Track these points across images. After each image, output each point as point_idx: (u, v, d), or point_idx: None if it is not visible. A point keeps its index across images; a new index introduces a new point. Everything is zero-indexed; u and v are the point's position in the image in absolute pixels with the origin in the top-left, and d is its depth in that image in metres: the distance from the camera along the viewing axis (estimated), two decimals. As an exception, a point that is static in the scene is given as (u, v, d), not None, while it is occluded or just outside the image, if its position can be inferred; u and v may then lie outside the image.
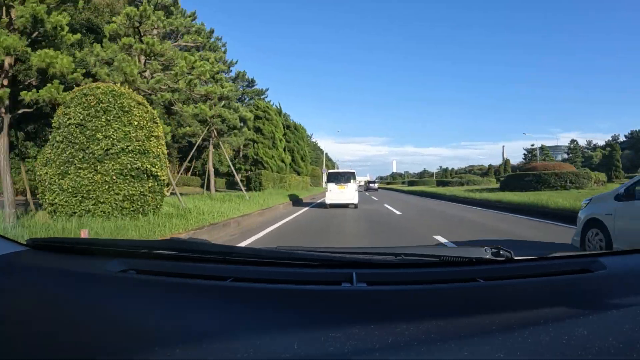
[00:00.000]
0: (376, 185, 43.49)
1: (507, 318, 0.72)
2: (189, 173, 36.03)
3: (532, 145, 66.58)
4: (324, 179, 41.20)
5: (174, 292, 0.88)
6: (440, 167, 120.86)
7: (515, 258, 1.02)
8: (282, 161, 26.19)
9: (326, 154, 77.32)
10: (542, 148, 66.79)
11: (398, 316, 0.74)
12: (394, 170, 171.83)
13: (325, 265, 1.02)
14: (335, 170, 15.05)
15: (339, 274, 0.93)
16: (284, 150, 27.87)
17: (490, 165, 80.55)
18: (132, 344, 0.67)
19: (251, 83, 39.09)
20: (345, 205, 12.97)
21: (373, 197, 24.06)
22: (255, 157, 24.93)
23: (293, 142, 32.09)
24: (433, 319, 0.72)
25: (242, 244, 5.96)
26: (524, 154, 69.72)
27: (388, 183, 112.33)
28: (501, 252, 1.01)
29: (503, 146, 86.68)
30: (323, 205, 14.08)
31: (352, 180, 13.18)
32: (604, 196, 4.85)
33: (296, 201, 17.72)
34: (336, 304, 0.82)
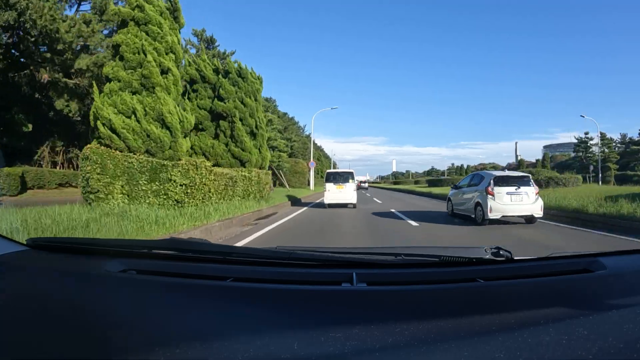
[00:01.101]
0: (366, 184, 46.40)
1: (507, 318, 0.72)
2: (69, 166, 22.92)
3: (587, 133, 51.74)
4: (312, 176, 29.49)
5: (174, 292, 0.88)
6: (453, 164, 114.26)
7: (515, 258, 1.02)
8: (165, 126, 9.39)
9: (315, 142, 60.36)
10: (602, 136, 47.34)
11: (398, 316, 0.74)
12: (394, 170, 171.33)
13: (325, 265, 1.02)
14: (334, 170, 14.88)
15: (339, 274, 0.93)
16: (182, 101, 11.97)
17: (522, 160, 72.88)
18: (132, 343, 0.67)
19: (211, 42, 30.21)
20: (344, 205, 12.95)
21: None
22: (95, 113, 8.80)
23: (233, 100, 14.29)
24: (433, 319, 0.72)
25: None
26: (575, 145, 55.57)
27: (394, 182, 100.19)
28: (501, 252, 1.01)
29: (516, 142, 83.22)
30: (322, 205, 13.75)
31: (350, 180, 13.15)
32: (452, 187, 10.82)
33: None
34: (336, 304, 0.82)
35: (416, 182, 76.05)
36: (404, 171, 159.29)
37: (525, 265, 1.05)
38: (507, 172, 9.58)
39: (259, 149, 15.29)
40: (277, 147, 25.38)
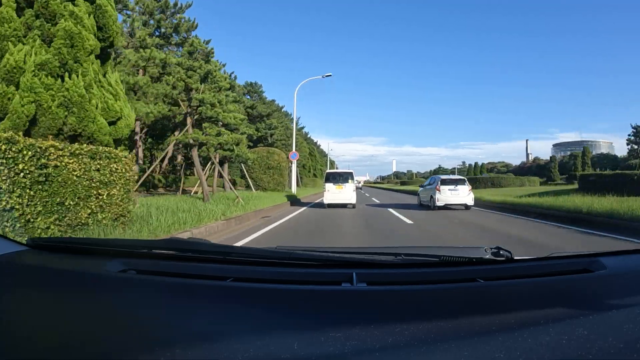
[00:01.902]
0: (360, 184, 47.87)
1: (507, 318, 0.72)
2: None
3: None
4: (295, 173, 22.00)
5: (174, 292, 0.88)
6: (464, 162, 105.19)
7: (515, 258, 1.02)
8: None
9: (299, 124, 48.56)
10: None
11: (398, 316, 0.74)
12: (394, 170, 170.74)
13: (325, 265, 1.02)
14: (334, 171, 14.98)
15: (339, 274, 0.93)
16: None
17: (553, 157, 66.12)
18: (132, 343, 0.67)
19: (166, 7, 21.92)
20: (343, 205, 13.04)
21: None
22: None
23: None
24: (433, 319, 0.72)
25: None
26: (630, 136, 47.52)
27: (402, 182, 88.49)
28: (501, 252, 1.01)
29: (527, 140, 79.65)
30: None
31: (350, 180, 13.27)
32: (420, 186, 16.22)
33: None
34: (336, 304, 0.81)
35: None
36: (405, 171, 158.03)
37: (525, 265, 1.05)
38: (449, 176, 13.86)
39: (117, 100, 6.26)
40: (222, 122, 13.74)
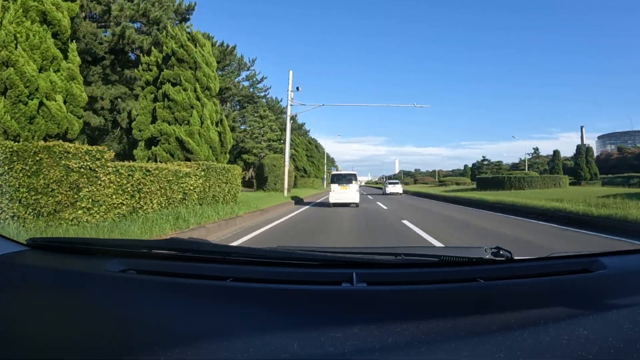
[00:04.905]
0: (361, 184, 54.43)
1: (507, 318, 0.72)
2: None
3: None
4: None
5: (174, 292, 0.88)
6: (534, 151, 78.40)
7: (515, 258, 1.02)
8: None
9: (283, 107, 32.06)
10: None
11: (398, 316, 0.74)
12: (398, 169, 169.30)
13: (325, 265, 1.02)
14: (338, 172, 16.55)
15: (339, 274, 0.93)
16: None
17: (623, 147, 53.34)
18: (132, 343, 0.67)
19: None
20: (347, 204, 13.75)
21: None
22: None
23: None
24: (433, 319, 0.72)
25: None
26: None
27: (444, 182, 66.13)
28: (501, 252, 1.01)
29: (582, 127, 69.20)
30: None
31: (353, 181, 14.17)
32: (383, 184, 40.09)
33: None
34: (336, 304, 0.81)
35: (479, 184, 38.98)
36: (413, 169, 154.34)
37: (525, 265, 1.05)
38: (392, 180, 38.22)
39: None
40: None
